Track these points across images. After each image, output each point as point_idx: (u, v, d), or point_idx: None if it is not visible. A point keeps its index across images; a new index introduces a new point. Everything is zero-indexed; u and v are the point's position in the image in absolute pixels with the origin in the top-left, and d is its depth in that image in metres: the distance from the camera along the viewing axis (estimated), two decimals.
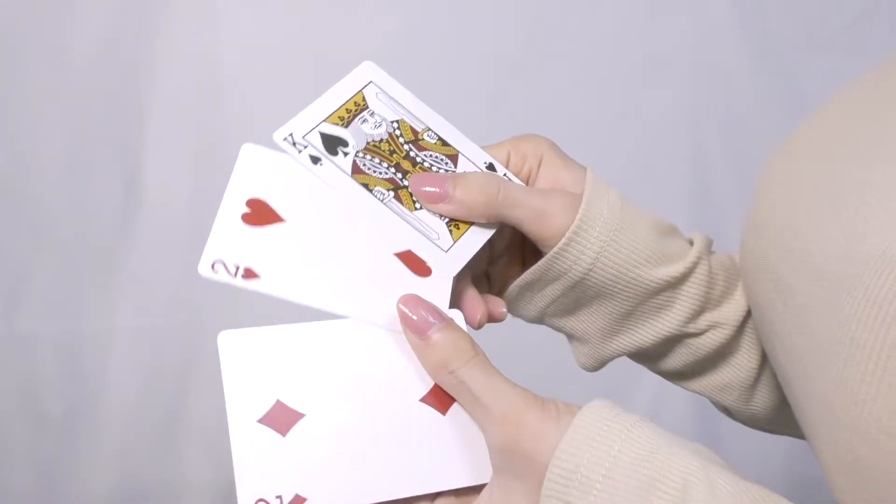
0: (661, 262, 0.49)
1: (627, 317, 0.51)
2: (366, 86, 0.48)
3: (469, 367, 0.42)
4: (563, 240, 0.47)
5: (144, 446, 1.21)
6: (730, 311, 0.52)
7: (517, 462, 0.40)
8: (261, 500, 0.38)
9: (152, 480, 1.21)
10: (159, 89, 1.15)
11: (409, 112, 0.48)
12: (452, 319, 0.43)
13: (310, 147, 0.44)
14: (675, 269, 0.49)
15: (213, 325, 1.19)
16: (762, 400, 0.55)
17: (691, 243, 0.52)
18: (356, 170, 0.45)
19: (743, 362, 0.53)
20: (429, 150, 0.47)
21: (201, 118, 1.16)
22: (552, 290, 0.50)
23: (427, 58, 1.18)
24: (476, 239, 0.46)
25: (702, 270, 0.50)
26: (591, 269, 0.48)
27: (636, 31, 1.19)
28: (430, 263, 0.44)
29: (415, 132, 0.48)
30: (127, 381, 1.20)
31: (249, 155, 0.45)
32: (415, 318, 0.43)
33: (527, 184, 0.51)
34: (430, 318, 0.43)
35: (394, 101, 0.48)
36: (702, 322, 0.51)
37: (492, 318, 0.49)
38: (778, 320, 0.44)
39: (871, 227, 0.36)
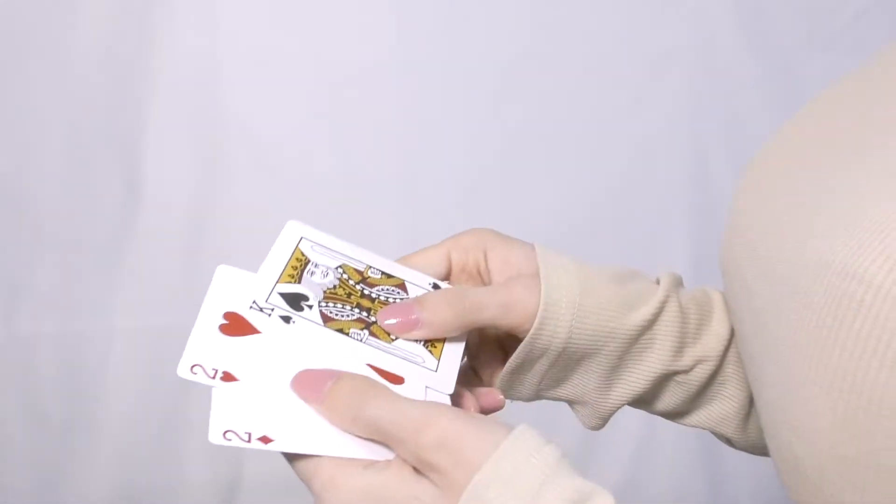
0: (631, 308, 0.50)
1: (615, 369, 0.51)
2: (299, 242, 0.50)
3: (368, 407, 0.40)
4: (536, 323, 0.48)
5: (144, 447, 1.21)
6: (710, 344, 0.52)
7: (432, 473, 0.39)
8: (229, 430, 0.42)
9: (152, 481, 1.21)
10: (159, 89, 1.15)
11: (346, 256, 0.51)
12: (344, 373, 0.42)
13: (276, 309, 0.46)
14: (646, 312, 0.50)
15: None
16: (758, 428, 0.55)
17: (658, 282, 0.53)
18: (326, 318, 0.47)
19: (734, 393, 0.54)
20: (379, 285, 0.50)
21: (201, 118, 1.16)
22: (540, 367, 0.50)
23: (426, 60, 1.18)
24: (455, 350, 0.48)
25: (672, 307, 0.51)
26: (569, 339, 0.49)
27: (636, 32, 1.19)
28: (426, 385, 0.45)
29: (359, 272, 0.50)
30: (127, 382, 1.20)
31: (224, 274, 0.48)
32: (307, 383, 0.42)
33: (477, 273, 0.52)
34: (322, 379, 0.42)
35: (329, 250, 0.51)
36: (687, 358, 0.52)
37: (491, 409, 0.49)
38: (743, 323, 0.45)
39: (816, 232, 0.37)
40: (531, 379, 0.51)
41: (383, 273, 0.51)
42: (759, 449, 0.57)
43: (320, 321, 0.46)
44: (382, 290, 0.49)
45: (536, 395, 0.53)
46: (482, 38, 1.18)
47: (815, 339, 0.35)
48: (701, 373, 0.52)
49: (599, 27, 1.19)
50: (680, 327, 0.51)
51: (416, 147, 1.20)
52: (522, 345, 0.49)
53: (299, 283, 0.48)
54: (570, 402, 0.54)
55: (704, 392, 0.54)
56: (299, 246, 0.50)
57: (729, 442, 0.58)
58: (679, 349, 0.51)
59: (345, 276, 0.49)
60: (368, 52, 1.17)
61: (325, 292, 0.48)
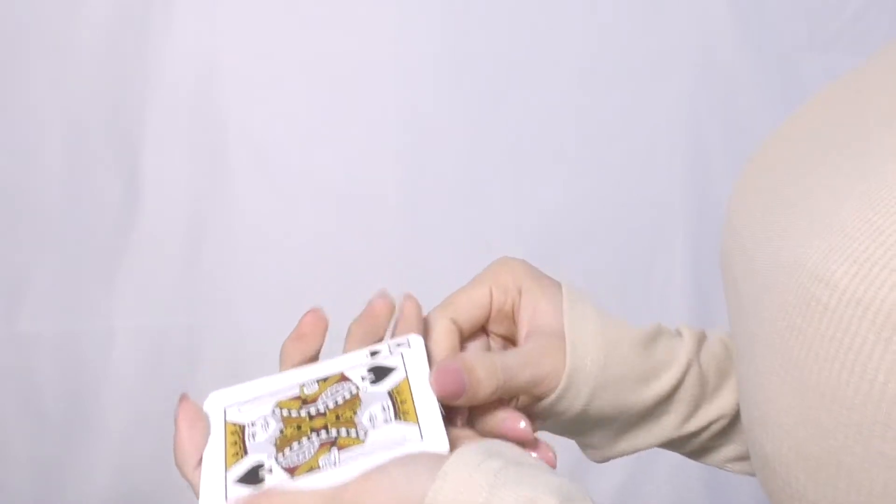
0: (651, 378, 0.50)
1: (628, 428, 0.52)
2: (225, 415, 0.47)
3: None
4: (553, 397, 0.48)
5: (144, 446, 1.21)
6: (726, 402, 0.53)
7: None
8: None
9: (152, 480, 1.21)
10: (159, 89, 1.15)
11: (274, 393, 0.47)
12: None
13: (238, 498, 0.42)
14: (665, 383, 0.50)
15: (213, 325, 1.20)
16: None
17: (679, 333, 0.53)
18: (291, 470, 0.42)
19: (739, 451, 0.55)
20: (321, 394, 0.46)
21: (201, 118, 1.17)
22: (552, 425, 0.51)
23: (426, 60, 1.18)
24: (427, 402, 0.44)
25: (692, 376, 0.51)
26: (585, 410, 0.49)
27: (636, 31, 1.19)
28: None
29: (296, 398, 0.46)
30: (127, 381, 1.20)
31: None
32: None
33: (511, 315, 0.51)
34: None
35: (256, 400, 0.47)
36: (701, 419, 0.52)
37: (514, 438, 0.47)
38: (732, 321, 0.46)
39: (794, 233, 0.38)
40: (544, 428, 0.52)
41: (318, 380, 0.47)
42: None
43: (287, 477, 0.42)
44: (327, 395, 0.45)
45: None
46: (482, 39, 1.18)
47: (785, 338, 0.36)
48: (713, 430, 0.53)
49: (599, 27, 1.19)
50: (699, 394, 0.52)
51: (415, 147, 1.20)
52: (538, 411, 0.49)
53: (246, 454, 0.44)
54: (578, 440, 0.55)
55: (719, 441, 0.54)
56: (227, 419, 0.46)
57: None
58: (691, 414, 0.52)
59: (285, 412, 0.45)
60: (368, 52, 1.17)
61: (275, 445, 0.44)
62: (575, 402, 0.48)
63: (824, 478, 0.36)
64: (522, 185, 1.22)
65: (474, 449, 0.40)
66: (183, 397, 0.46)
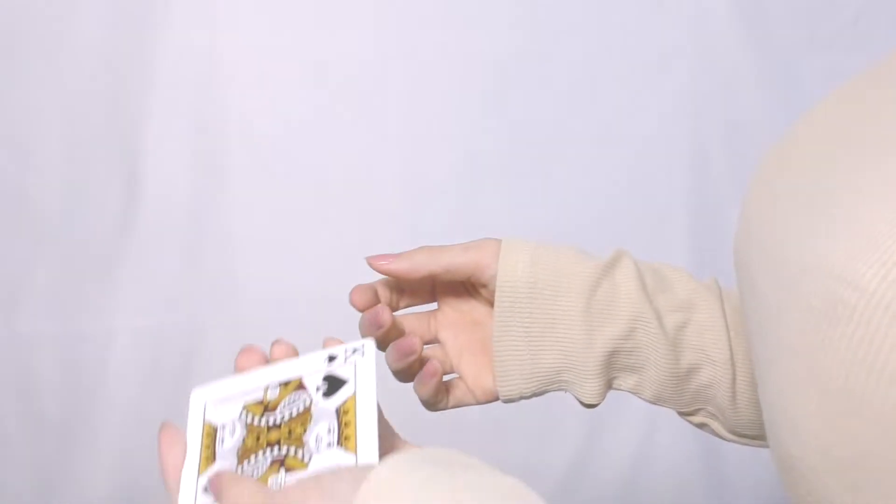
0: (589, 258, 0.59)
1: (590, 312, 0.57)
2: (205, 412, 0.51)
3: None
4: (500, 260, 0.56)
5: (144, 447, 1.21)
6: (679, 295, 0.58)
7: None
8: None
9: (152, 481, 1.21)
10: (159, 89, 1.15)
11: (244, 393, 0.50)
12: (233, 483, 0.45)
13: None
14: (600, 260, 0.58)
15: (213, 325, 1.20)
16: (745, 397, 0.58)
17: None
18: None
19: (716, 356, 0.58)
20: (280, 403, 0.49)
21: (201, 118, 1.16)
22: (520, 315, 0.56)
23: (426, 59, 1.18)
24: (368, 431, 0.46)
25: (628, 259, 0.59)
26: (532, 272, 0.55)
27: (636, 32, 1.19)
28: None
29: (260, 403, 0.49)
30: (127, 381, 1.20)
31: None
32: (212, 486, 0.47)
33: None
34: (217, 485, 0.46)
35: (228, 399, 0.50)
36: (656, 304, 0.57)
37: (409, 352, 0.56)
38: (751, 322, 0.46)
39: (818, 235, 0.37)
40: (517, 332, 0.56)
41: (280, 384, 0.50)
42: (750, 435, 0.60)
43: None
44: (285, 404, 0.49)
45: (532, 373, 0.57)
46: (482, 38, 1.18)
47: (812, 341, 0.36)
48: (674, 322, 0.57)
49: (599, 27, 1.19)
50: (638, 276, 0.57)
51: (415, 146, 1.20)
52: (496, 285, 0.56)
53: (215, 460, 0.48)
54: (562, 381, 0.58)
55: (683, 351, 0.57)
56: (206, 417, 0.50)
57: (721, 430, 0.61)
58: (643, 293, 0.57)
59: (249, 417, 0.49)
60: (368, 50, 1.17)
61: (238, 454, 0.48)
62: (518, 265, 0.56)
63: (852, 482, 0.35)
64: (521, 185, 1.22)
65: (405, 457, 0.40)
66: (164, 426, 0.51)
